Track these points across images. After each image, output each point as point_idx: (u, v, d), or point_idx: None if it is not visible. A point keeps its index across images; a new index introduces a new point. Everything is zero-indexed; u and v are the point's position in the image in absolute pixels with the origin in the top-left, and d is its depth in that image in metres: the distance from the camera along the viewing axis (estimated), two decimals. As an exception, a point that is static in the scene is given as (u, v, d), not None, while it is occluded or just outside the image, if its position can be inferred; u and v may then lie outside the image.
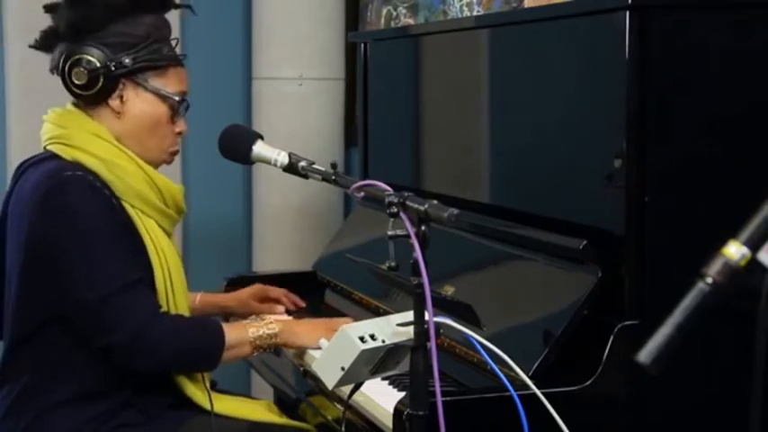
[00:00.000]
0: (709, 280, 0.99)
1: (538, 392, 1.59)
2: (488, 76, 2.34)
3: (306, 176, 1.99)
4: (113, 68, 2.10)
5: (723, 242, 1.00)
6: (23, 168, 2.17)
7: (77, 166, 2.07)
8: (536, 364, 1.79)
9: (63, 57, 2.13)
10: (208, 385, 2.17)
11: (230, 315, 2.60)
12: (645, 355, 0.99)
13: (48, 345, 2.08)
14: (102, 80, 2.11)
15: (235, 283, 2.72)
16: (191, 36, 3.74)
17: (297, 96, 3.63)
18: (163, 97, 2.15)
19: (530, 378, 1.62)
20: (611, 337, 1.78)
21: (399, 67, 2.77)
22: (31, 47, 2.22)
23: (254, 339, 2.14)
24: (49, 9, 2.19)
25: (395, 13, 3.54)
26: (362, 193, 1.71)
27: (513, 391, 1.57)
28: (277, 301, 2.59)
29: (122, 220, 2.07)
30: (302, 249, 3.46)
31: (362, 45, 2.93)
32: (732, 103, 1.86)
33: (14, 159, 3.61)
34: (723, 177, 1.86)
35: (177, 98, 2.16)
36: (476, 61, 2.39)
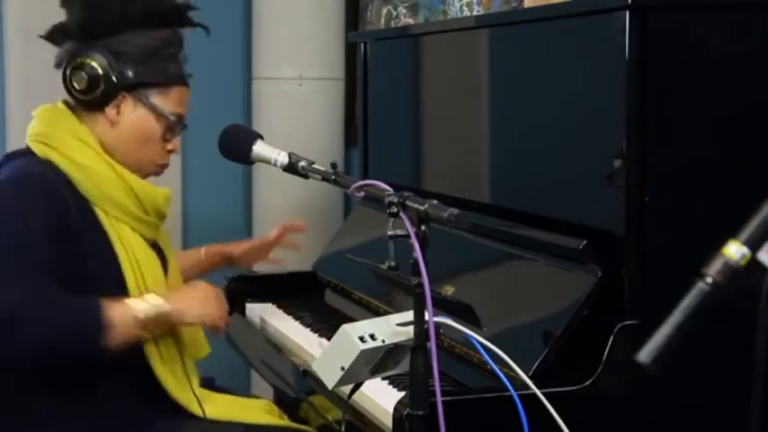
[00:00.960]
0: (709, 280, 0.99)
1: (538, 392, 1.59)
2: (488, 76, 2.34)
3: (306, 176, 1.98)
4: (115, 79, 2.09)
5: (723, 242, 1.00)
6: (4, 160, 2.16)
7: (47, 165, 2.05)
8: (536, 364, 1.79)
9: (69, 56, 2.12)
10: (196, 391, 2.14)
11: (236, 264, 2.67)
12: (645, 354, 0.99)
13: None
14: (101, 88, 2.10)
15: (235, 284, 2.72)
16: (190, 36, 3.73)
17: (297, 96, 3.62)
18: (159, 115, 2.13)
19: (530, 378, 1.62)
20: (611, 337, 1.78)
21: (399, 67, 2.77)
22: (40, 37, 2.20)
23: (144, 321, 1.99)
24: (63, 3, 2.17)
25: (395, 13, 3.54)
26: (362, 193, 1.71)
27: (513, 391, 1.57)
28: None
29: (66, 225, 2.01)
30: (302, 249, 3.45)
31: (362, 45, 2.93)
32: (732, 104, 1.86)
33: (14, 159, 3.62)
34: (723, 177, 1.86)
35: (173, 118, 2.15)
36: (476, 61, 2.39)
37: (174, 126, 2.16)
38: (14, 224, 1.96)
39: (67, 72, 2.11)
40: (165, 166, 2.22)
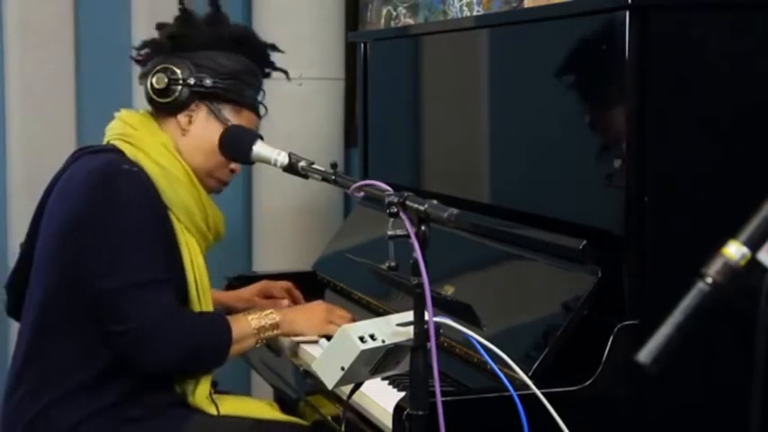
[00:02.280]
0: (709, 280, 0.99)
1: (538, 392, 1.59)
2: (488, 76, 2.34)
3: (306, 176, 1.99)
4: (192, 83, 2.18)
5: (723, 242, 1.00)
6: (80, 154, 2.21)
7: (136, 165, 2.12)
8: (536, 364, 1.79)
9: (153, 64, 2.21)
10: (210, 390, 2.17)
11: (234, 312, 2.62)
12: (645, 354, 0.99)
13: (63, 335, 2.10)
14: (178, 91, 2.18)
15: (235, 283, 2.72)
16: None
17: (297, 96, 3.62)
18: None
19: (530, 378, 1.62)
20: (611, 337, 1.78)
21: (399, 67, 2.77)
22: (132, 58, 2.32)
23: (257, 331, 2.17)
24: (159, 26, 2.30)
25: (395, 13, 3.54)
26: (362, 193, 1.71)
27: (513, 391, 1.57)
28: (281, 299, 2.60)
29: (165, 226, 2.12)
30: (302, 249, 3.45)
31: (362, 45, 2.93)
32: (732, 104, 1.86)
33: (14, 160, 3.62)
34: (723, 177, 1.86)
35: None
36: (476, 61, 2.39)
37: None
38: (142, 227, 2.07)
39: (150, 76, 2.20)
40: (226, 184, 2.31)
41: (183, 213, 2.16)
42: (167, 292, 2.08)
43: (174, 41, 2.23)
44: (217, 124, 2.20)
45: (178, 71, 2.18)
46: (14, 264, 2.29)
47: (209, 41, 2.24)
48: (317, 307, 2.35)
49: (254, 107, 2.28)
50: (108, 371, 2.09)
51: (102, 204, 2.07)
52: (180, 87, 2.18)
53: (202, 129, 2.20)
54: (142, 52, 2.29)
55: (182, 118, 2.21)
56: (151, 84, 2.19)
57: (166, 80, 2.18)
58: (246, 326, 2.17)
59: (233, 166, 2.27)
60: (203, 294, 2.18)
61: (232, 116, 2.22)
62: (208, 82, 2.19)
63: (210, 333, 2.13)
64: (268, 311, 2.22)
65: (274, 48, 2.39)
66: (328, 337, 2.19)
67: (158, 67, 2.20)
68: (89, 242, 2.06)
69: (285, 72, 2.42)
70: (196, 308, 2.17)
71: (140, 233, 2.07)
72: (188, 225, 2.17)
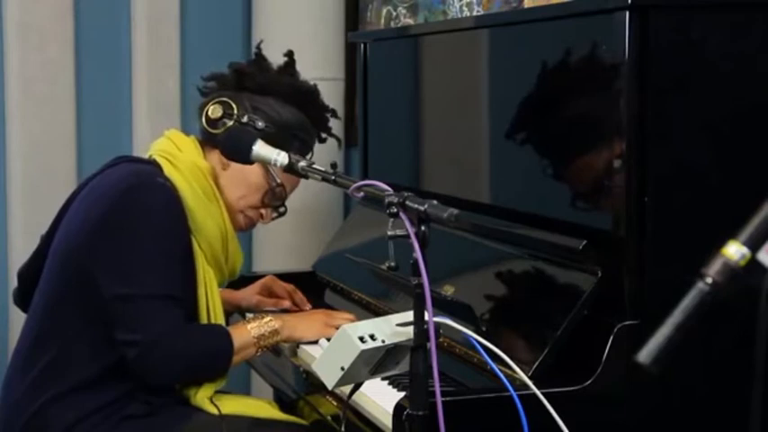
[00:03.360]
0: (709, 280, 0.98)
1: (538, 392, 1.59)
2: (488, 76, 2.34)
3: (306, 176, 1.99)
4: (244, 121, 2.23)
5: (723, 242, 1.00)
6: (119, 161, 2.24)
7: (170, 182, 2.15)
8: (536, 364, 1.79)
9: (214, 96, 2.27)
10: (211, 394, 2.18)
11: (239, 310, 2.63)
12: (645, 355, 0.99)
13: (70, 333, 2.12)
14: (230, 124, 2.23)
15: (235, 284, 2.72)
16: (191, 36, 3.74)
17: (297, 96, 3.62)
18: (268, 173, 2.25)
19: (530, 378, 1.62)
20: (611, 337, 1.78)
21: (399, 67, 2.77)
22: (198, 89, 2.39)
23: (257, 340, 2.17)
24: (231, 64, 2.39)
25: (395, 13, 3.54)
26: (362, 193, 1.71)
27: (512, 391, 1.57)
28: (282, 298, 2.60)
29: (187, 248, 2.14)
30: (302, 249, 3.45)
31: (362, 45, 2.93)
32: (732, 104, 1.86)
33: (14, 160, 3.61)
34: (723, 177, 1.86)
35: (278, 186, 2.27)
36: (476, 61, 2.39)
37: (276, 195, 2.29)
38: (164, 239, 2.09)
39: (208, 105, 2.26)
40: (252, 225, 2.35)
41: (204, 241, 2.18)
42: (177, 311, 2.08)
43: (239, 78, 2.32)
44: (258, 168, 2.23)
45: (234, 107, 2.24)
46: (32, 253, 2.30)
47: (272, 87, 2.31)
48: (319, 315, 2.36)
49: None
50: (111, 371, 2.10)
51: (129, 209, 2.09)
52: (232, 122, 2.23)
53: (241, 167, 2.19)
54: (208, 84, 2.36)
55: None
56: (206, 112, 2.25)
57: (221, 112, 2.24)
58: (246, 335, 2.17)
59: (263, 211, 2.31)
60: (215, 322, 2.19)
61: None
62: (260, 124, 2.24)
63: (212, 348, 2.13)
64: (267, 319, 2.21)
65: (334, 114, 2.45)
66: (329, 338, 2.19)
67: (218, 99, 2.26)
68: (110, 245, 2.07)
69: (338, 139, 2.48)
70: None
71: (162, 245, 2.08)
72: (207, 254, 2.19)
